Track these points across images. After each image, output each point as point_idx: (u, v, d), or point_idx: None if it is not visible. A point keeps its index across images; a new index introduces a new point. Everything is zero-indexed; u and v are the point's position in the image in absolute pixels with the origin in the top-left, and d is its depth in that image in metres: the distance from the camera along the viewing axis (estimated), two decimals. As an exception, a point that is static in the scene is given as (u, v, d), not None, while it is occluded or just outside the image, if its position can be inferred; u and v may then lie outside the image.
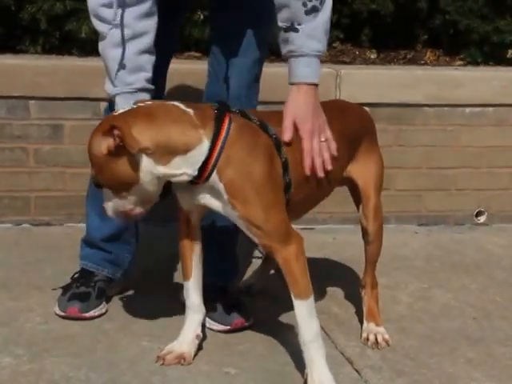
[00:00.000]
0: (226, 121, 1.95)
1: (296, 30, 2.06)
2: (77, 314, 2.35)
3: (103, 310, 2.41)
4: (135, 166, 1.88)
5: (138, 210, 1.97)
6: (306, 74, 2.07)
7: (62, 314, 2.36)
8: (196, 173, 1.92)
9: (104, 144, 1.87)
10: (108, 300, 2.47)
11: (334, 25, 3.80)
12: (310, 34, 2.06)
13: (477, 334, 2.41)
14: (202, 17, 3.52)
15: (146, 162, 1.88)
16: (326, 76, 3.33)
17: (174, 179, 1.94)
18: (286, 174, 2.02)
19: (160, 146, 1.87)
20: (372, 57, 3.84)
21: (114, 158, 1.87)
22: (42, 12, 3.34)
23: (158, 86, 2.37)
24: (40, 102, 3.19)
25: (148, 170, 1.89)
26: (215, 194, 1.96)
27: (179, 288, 2.54)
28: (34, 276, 2.69)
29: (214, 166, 1.92)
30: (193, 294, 2.15)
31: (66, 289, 2.43)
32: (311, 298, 1.98)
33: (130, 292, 2.59)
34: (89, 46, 3.41)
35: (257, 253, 2.99)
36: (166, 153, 1.88)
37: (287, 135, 2.02)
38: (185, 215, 2.11)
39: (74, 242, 2.64)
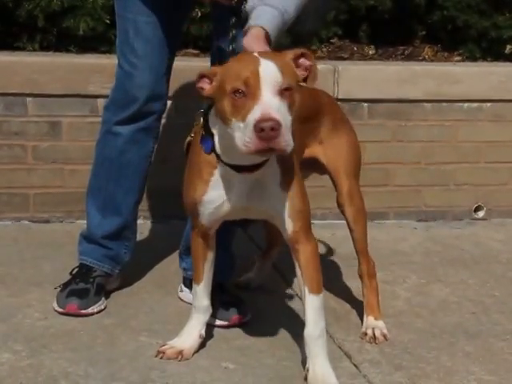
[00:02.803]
0: None
1: None
2: (76, 311, 2.35)
3: (102, 307, 2.41)
4: None
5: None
6: (270, 24, 1.99)
7: (61, 310, 2.36)
8: None
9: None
10: (107, 296, 2.48)
11: (333, 21, 3.81)
12: None
13: (475, 328, 2.42)
14: (199, 14, 3.51)
15: None
16: (324, 72, 3.34)
17: None
18: None
19: None
20: (370, 53, 3.84)
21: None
22: (39, 9, 3.34)
23: (163, 85, 2.38)
24: (38, 99, 3.19)
25: None
26: (262, 181, 1.95)
27: (178, 284, 2.55)
28: (32, 272, 2.69)
29: None
30: (201, 296, 2.17)
31: (64, 285, 2.43)
32: (322, 294, 2.01)
33: (129, 288, 2.59)
34: (86, 42, 3.42)
35: (255, 249, 2.99)
36: None
37: None
38: (202, 231, 2.10)
39: (73, 239, 2.64)
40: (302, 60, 1.91)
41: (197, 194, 2.01)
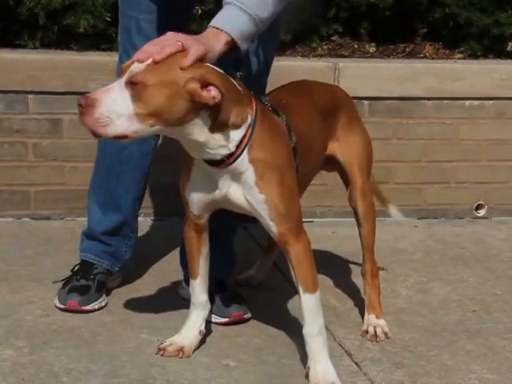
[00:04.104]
0: (254, 101, 1.95)
1: None
2: (76, 307, 2.36)
3: (103, 304, 2.41)
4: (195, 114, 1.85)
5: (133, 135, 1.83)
6: (237, 31, 1.90)
7: (62, 306, 2.37)
8: (233, 149, 1.90)
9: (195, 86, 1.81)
10: (108, 293, 2.48)
11: (333, 18, 3.81)
12: None
13: (476, 326, 2.42)
14: (200, 11, 3.51)
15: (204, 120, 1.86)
16: (324, 69, 3.34)
17: (211, 151, 1.89)
18: (296, 158, 2.03)
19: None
20: (371, 50, 3.83)
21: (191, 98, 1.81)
22: (40, 6, 3.33)
23: None
24: (39, 97, 3.19)
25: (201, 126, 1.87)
26: (238, 179, 1.94)
27: (178, 281, 2.55)
28: (33, 269, 2.69)
29: (246, 145, 1.92)
30: (199, 291, 2.16)
31: (66, 282, 2.44)
32: (318, 292, 2.00)
33: (130, 285, 2.59)
34: (87, 40, 3.41)
35: (256, 247, 2.99)
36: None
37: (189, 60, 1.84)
38: (193, 221, 2.10)
39: (74, 236, 2.65)
40: (211, 87, 1.81)
41: (183, 182, 2.05)
